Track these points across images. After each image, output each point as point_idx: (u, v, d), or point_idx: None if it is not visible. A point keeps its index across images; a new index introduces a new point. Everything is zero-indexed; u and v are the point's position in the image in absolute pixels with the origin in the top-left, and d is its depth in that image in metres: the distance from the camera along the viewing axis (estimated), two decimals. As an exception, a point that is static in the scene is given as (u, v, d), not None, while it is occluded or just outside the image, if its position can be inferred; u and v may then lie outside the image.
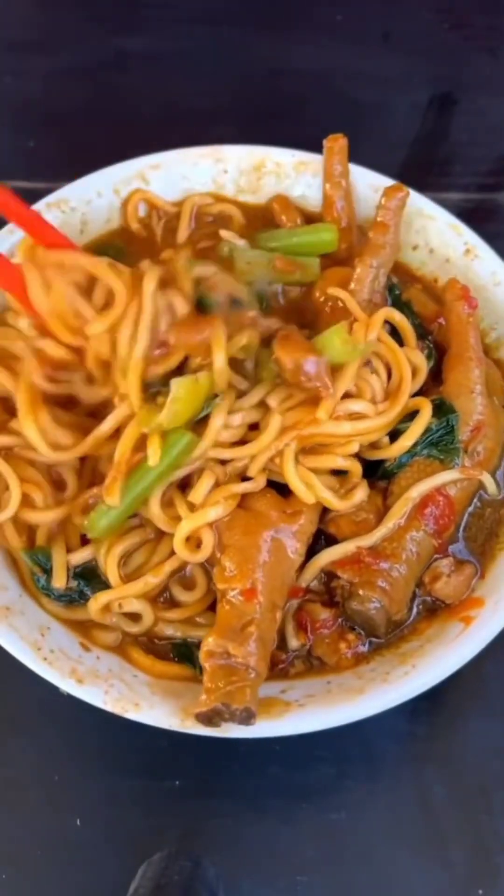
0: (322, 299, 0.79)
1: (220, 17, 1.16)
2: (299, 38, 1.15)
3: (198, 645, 0.67)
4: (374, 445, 0.72)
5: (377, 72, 1.14)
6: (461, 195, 1.04)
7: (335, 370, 0.69)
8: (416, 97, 1.14)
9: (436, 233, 0.86)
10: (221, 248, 0.82)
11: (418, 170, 1.07)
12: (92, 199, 0.86)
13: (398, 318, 0.76)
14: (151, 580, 0.67)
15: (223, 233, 0.85)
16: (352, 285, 0.78)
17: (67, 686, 0.64)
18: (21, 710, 0.74)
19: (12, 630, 0.65)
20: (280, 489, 0.70)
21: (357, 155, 0.88)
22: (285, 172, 0.89)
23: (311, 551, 0.71)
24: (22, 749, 0.73)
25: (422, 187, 0.87)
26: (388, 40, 1.18)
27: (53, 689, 0.64)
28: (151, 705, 0.64)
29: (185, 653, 0.69)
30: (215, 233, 0.87)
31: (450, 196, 1.00)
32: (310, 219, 0.90)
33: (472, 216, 0.87)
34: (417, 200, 0.86)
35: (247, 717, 0.59)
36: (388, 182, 0.86)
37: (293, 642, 0.69)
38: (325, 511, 0.72)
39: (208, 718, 0.59)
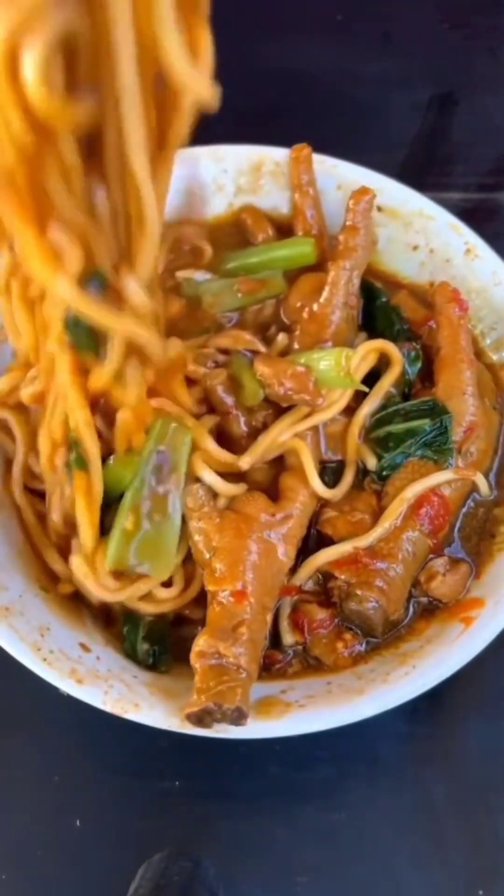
0: (298, 305, 0.79)
1: (220, 17, 1.16)
2: (299, 38, 1.15)
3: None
4: None
5: (377, 72, 1.14)
6: (461, 195, 1.04)
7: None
8: (416, 97, 1.14)
9: (436, 233, 0.86)
10: (184, 288, 0.82)
11: (418, 170, 1.07)
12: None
13: (395, 355, 0.77)
14: (134, 592, 0.68)
15: (180, 274, 0.83)
16: (326, 289, 0.78)
17: (67, 686, 0.64)
18: (21, 710, 0.73)
19: (12, 630, 0.65)
20: (270, 492, 0.70)
21: (357, 155, 0.88)
22: (285, 172, 0.89)
23: (307, 552, 0.72)
24: (22, 749, 0.73)
25: (422, 187, 0.87)
26: (388, 40, 1.18)
27: (53, 689, 0.64)
28: (151, 706, 0.64)
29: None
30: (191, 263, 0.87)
31: (450, 196, 1.00)
32: (280, 226, 0.90)
33: (472, 216, 0.87)
34: (417, 200, 0.86)
35: (238, 717, 0.59)
36: (389, 182, 0.86)
37: (288, 638, 0.70)
38: (320, 512, 0.72)
39: (199, 719, 0.59)
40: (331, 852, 0.69)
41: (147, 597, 0.70)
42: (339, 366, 0.72)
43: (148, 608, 0.70)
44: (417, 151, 1.10)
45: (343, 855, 0.69)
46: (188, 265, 0.86)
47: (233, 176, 0.90)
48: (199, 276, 0.83)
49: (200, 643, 0.61)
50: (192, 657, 0.62)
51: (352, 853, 0.69)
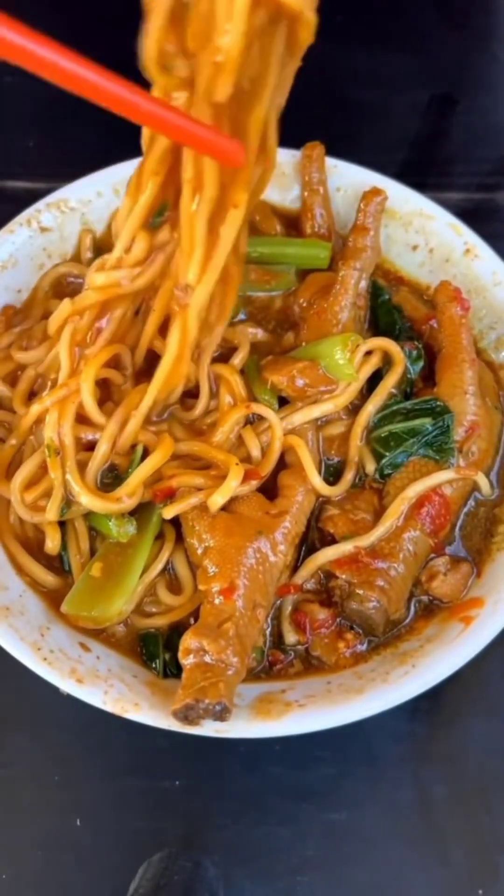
0: (306, 304, 0.80)
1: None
2: (299, 38, 1.15)
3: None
4: None
5: (377, 72, 1.14)
6: (461, 195, 1.04)
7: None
8: (416, 97, 1.14)
9: (436, 232, 0.86)
10: None
11: (418, 170, 1.07)
12: (91, 199, 0.87)
13: (398, 354, 0.77)
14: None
15: None
16: (336, 288, 0.78)
17: (67, 686, 0.64)
18: (21, 710, 0.73)
19: (12, 630, 0.65)
20: (266, 492, 0.70)
21: (357, 155, 0.88)
22: (285, 172, 0.89)
23: (310, 550, 0.72)
24: (22, 749, 0.73)
25: (422, 187, 0.87)
26: (388, 40, 1.18)
27: (53, 689, 0.64)
28: (151, 705, 0.64)
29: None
30: None
31: (450, 196, 1.00)
32: (289, 220, 0.91)
33: (472, 216, 0.87)
34: (417, 200, 0.87)
35: (221, 712, 0.58)
36: (389, 182, 0.86)
37: (290, 638, 0.70)
38: (322, 510, 0.72)
39: (184, 715, 0.59)
40: (331, 852, 0.69)
41: (156, 606, 0.71)
42: (344, 347, 0.72)
43: (161, 621, 0.70)
44: (417, 151, 1.10)
45: (343, 855, 0.69)
46: None
47: (233, 176, 0.89)
48: None
49: (186, 640, 0.61)
50: (180, 654, 0.62)
51: (352, 853, 0.69)
